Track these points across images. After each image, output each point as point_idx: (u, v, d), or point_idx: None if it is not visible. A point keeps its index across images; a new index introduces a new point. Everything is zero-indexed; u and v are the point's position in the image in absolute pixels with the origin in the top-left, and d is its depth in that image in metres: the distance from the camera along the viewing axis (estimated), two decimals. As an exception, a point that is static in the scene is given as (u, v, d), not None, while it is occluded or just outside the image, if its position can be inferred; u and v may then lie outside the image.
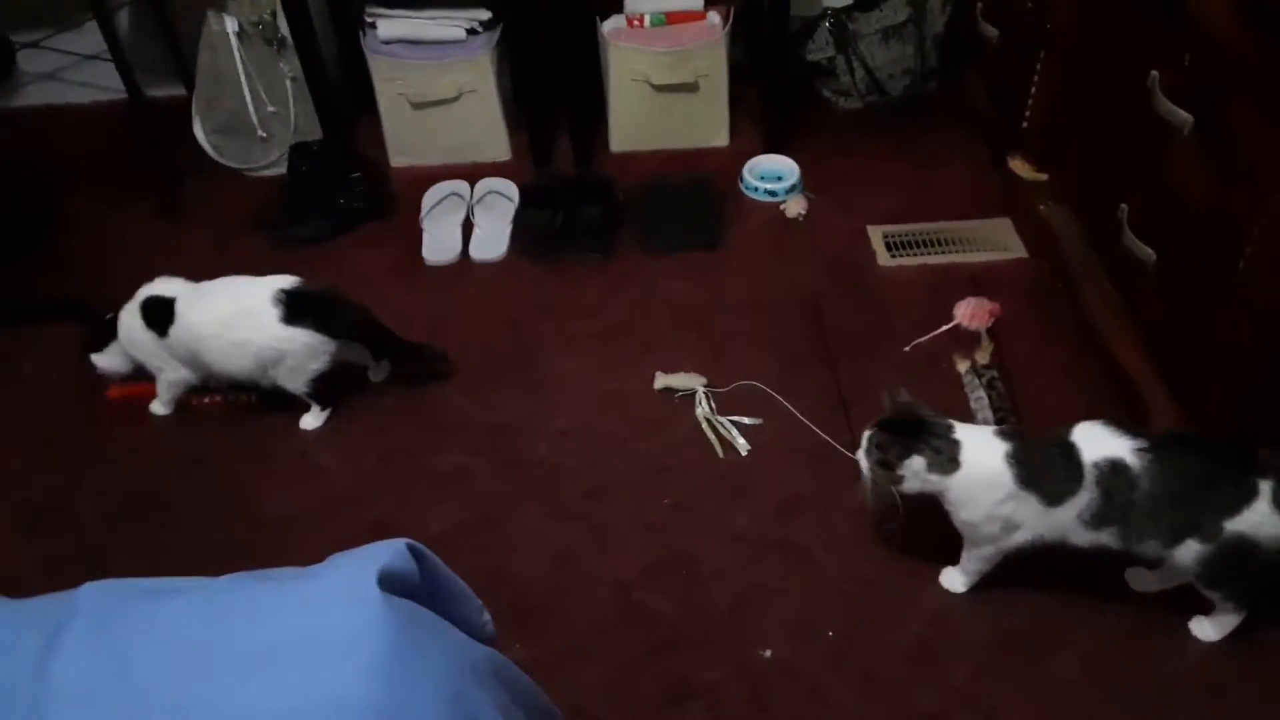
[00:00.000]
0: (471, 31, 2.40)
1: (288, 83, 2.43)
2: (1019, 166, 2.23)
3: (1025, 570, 1.60)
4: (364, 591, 0.83)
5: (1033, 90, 2.14)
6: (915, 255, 2.20)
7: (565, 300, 2.17)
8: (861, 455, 1.48)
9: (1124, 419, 1.44)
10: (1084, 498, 1.39)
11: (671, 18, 2.43)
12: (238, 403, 1.95)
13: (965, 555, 1.56)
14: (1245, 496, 1.34)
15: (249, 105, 2.42)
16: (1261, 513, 1.34)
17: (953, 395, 1.88)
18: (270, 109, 2.43)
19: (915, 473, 1.43)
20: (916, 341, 1.97)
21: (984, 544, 1.51)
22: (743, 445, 1.83)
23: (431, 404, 1.96)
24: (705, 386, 1.93)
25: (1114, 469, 1.37)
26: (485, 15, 2.41)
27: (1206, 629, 1.51)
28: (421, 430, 1.91)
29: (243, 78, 2.39)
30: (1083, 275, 1.96)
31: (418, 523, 1.71)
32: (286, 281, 1.81)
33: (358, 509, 1.77)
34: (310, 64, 2.36)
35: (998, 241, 2.22)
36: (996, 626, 1.56)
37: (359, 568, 0.86)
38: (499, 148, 2.54)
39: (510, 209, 2.37)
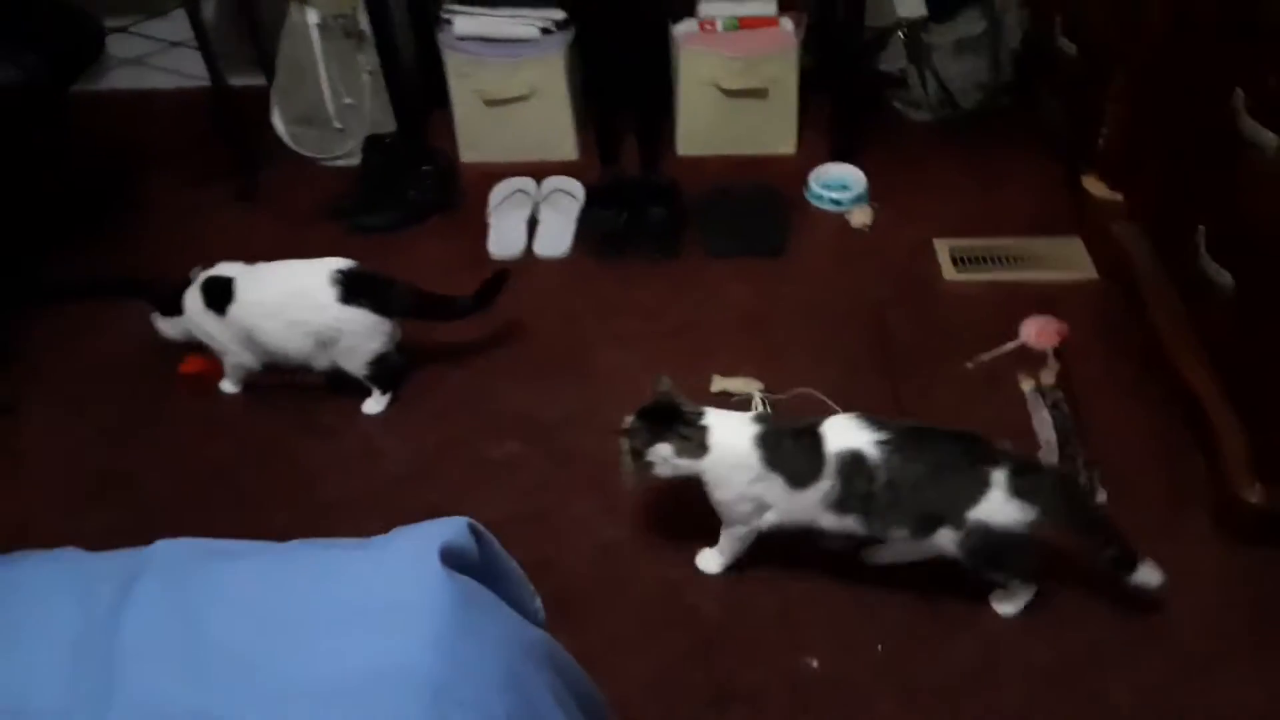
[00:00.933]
0: (545, 31, 2.43)
1: (365, 76, 2.49)
2: (1093, 185, 2.19)
3: (1081, 594, 1.57)
4: (426, 564, 0.85)
5: (1110, 108, 2.10)
6: (982, 270, 2.17)
7: (625, 299, 2.18)
8: (622, 443, 1.55)
9: (874, 415, 1.49)
10: (825, 484, 1.47)
11: (744, 23, 2.44)
12: (304, 385, 1.99)
13: (723, 535, 1.62)
14: (980, 487, 1.42)
15: (326, 97, 2.48)
16: (997, 501, 1.42)
17: (1016, 414, 1.85)
18: (347, 101, 2.49)
19: (664, 459, 1.51)
20: (980, 358, 1.94)
21: (738, 523, 1.58)
22: (797, 452, 1.82)
23: (489, 394, 1.98)
24: (762, 392, 1.92)
25: (854, 460, 1.45)
26: (560, 15, 2.44)
27: (1004, 606, 1.58)
28: (479, 419, 1.93)
29: (321, 70, 2.45)
30: (1155, 297, 1.92)
31: (471, 510, 1.69)
32: (342, 263, 1.86)
33: (414, 493, 1.79)
34: (387, 58, 2.41)
35: (1067, 260, 2.19)
36: (1054, 649, 1.53)
37: (422, 541, 0.87)
38: (567, 147, 2.56)
39: (575, 207, 2.39)
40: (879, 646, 1.54)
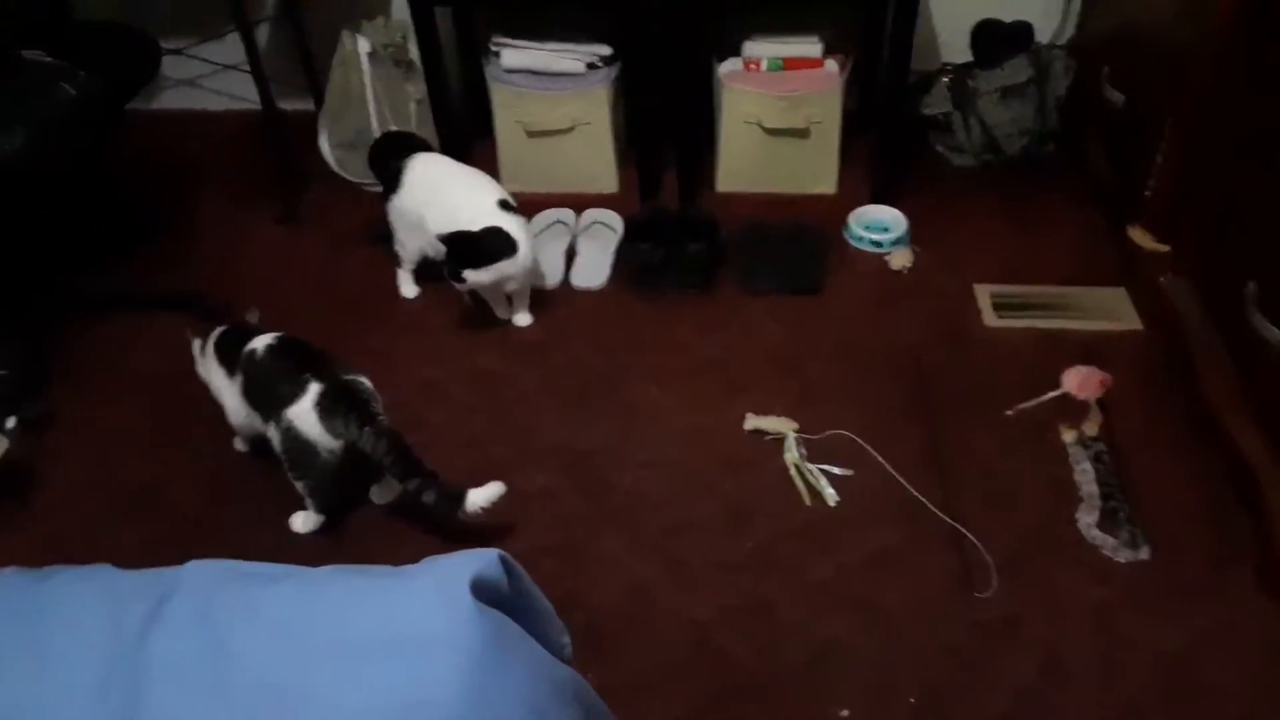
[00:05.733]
0: (591, 66, 2.45)
1: (412, 104, 2.52)
2: (1139, 236, 2.16)
3: (1122, 646, 1.53)
4: (457, 595, 0.84)
5: (1158, 158, 2.08)
6: (1023, 318, 2.14)
7: (661, 333, 2.18)
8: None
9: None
10: (236, 382, 1.73)
11: (789, 63, 2.44)
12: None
13: None
14: (297, 391, 1.63)
15: (373, 123, 2.51)
16: (304, 408, 1.62)
17: (1057, 465, 1.81)
18: (393, 128, 2.51)
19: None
20: (1021, 406, 1.91)
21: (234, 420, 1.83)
22: (831, 495, 1.80)
23: (522, 423, 1.98)
24: (796, 432, 1.90)
25: (251, 356, 1.71)
26: (606, 51, 2.46)
27: (296, 521, 1.76)
28: (510, 448, 1.92)
29: (370, 96, 2.49)
30: (1202, 353, 1.88)
31: (500, 540, 1.72)
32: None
33: (443, 520, 1.78)
34: (435, 87, 2.44)
35: (1111, 311, 2.15)
36: (1090, 707, 1.48)
37: (453, 571, 0.86)
38: (607, 180, 2.57)
39: (614, 240, 2.40)
40: (911, 699, 1.50)
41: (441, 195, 2.12)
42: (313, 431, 1.64)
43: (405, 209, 2.16)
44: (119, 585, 0.87)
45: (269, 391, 1.69)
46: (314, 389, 1.64)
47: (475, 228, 2.03)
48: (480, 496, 1.66)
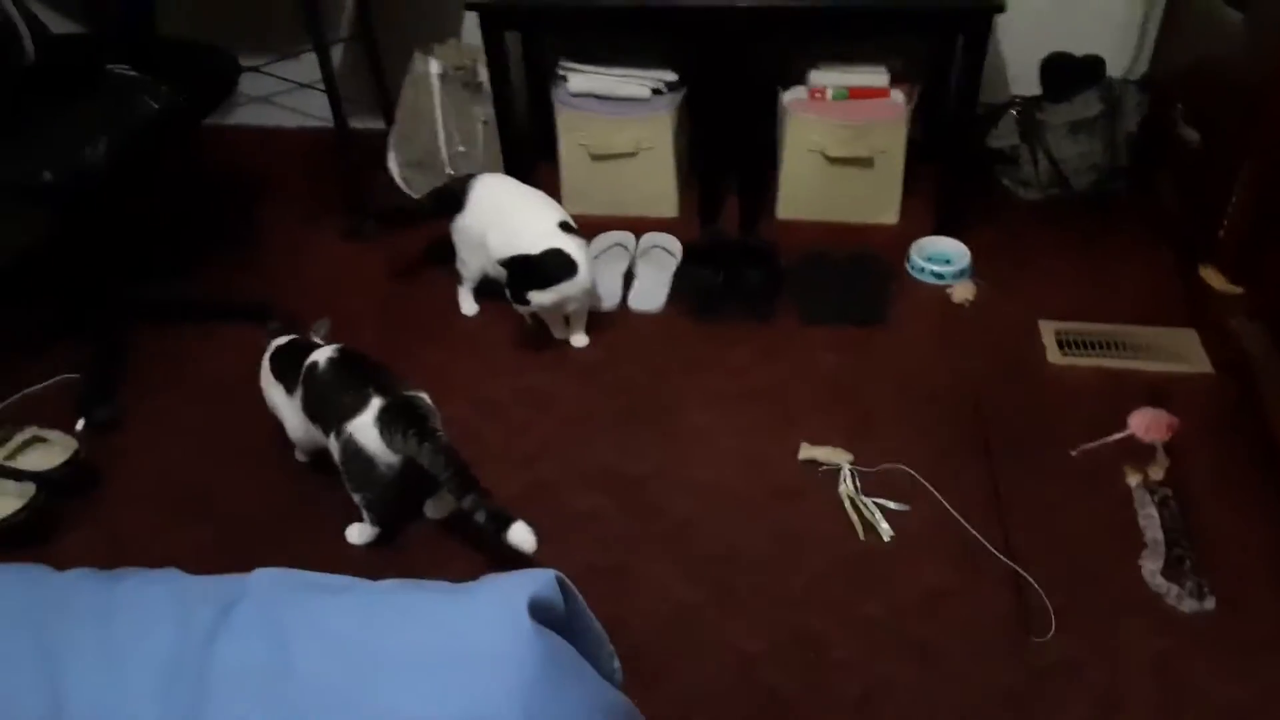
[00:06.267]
0: (656, 91, 2.47)
1: (479, 126, 2.56)
2: (1211, 277, 2.11)
3: (1192, 711, 1.48)
4: (515, 615, 0.84)
5: (1233, 199, 2.03)
6: (1089, 356, 2.10)
7: (716, 359, 2.17)
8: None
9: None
10: (299, 392, 1.75)
11: (854, 92, 2.43)
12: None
13: None
14: (359, 405, 1.66)
15: (441, 143, 2.55)
16: (365, 421, 1.65)
17: (1120, 509, 1.77)
18: (460, 148, 2.56)
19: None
20: (1085, 447, 1.87)
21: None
22: (885, 530, 1.77)
23: (575, 443, 1.98)
24: (851, 464, 1.88)
25: (312, 369, 1.74)
26: (671, 77, 2.48)
27: (353, 533, 1.79)
28: (563, 467, 1.93)
29: (439, 117, 2.53)
30: (1274, 398, 1.83)
31: (550, 559, 1.70)
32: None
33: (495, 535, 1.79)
34: (502, 109, 2.47)
35: (1180, 352, 2.10)
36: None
37: (512, 592, 0.86)
38: (668, 204, 2.58)
39: (672, 264, 2.40)
40: (962, 743, 1.47)
41: (504, 216, 2.15)
42: (373, 445, 1.66)
43: (469, 228, 2.19)
44: (187, 590, 0.89)
45: (330, 404, 1.72)
46: (375, 403, 1.66)
47: (537, 249, 2.05)
48: (521, 536, 1.64)
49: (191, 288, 2.46)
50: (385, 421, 1.65)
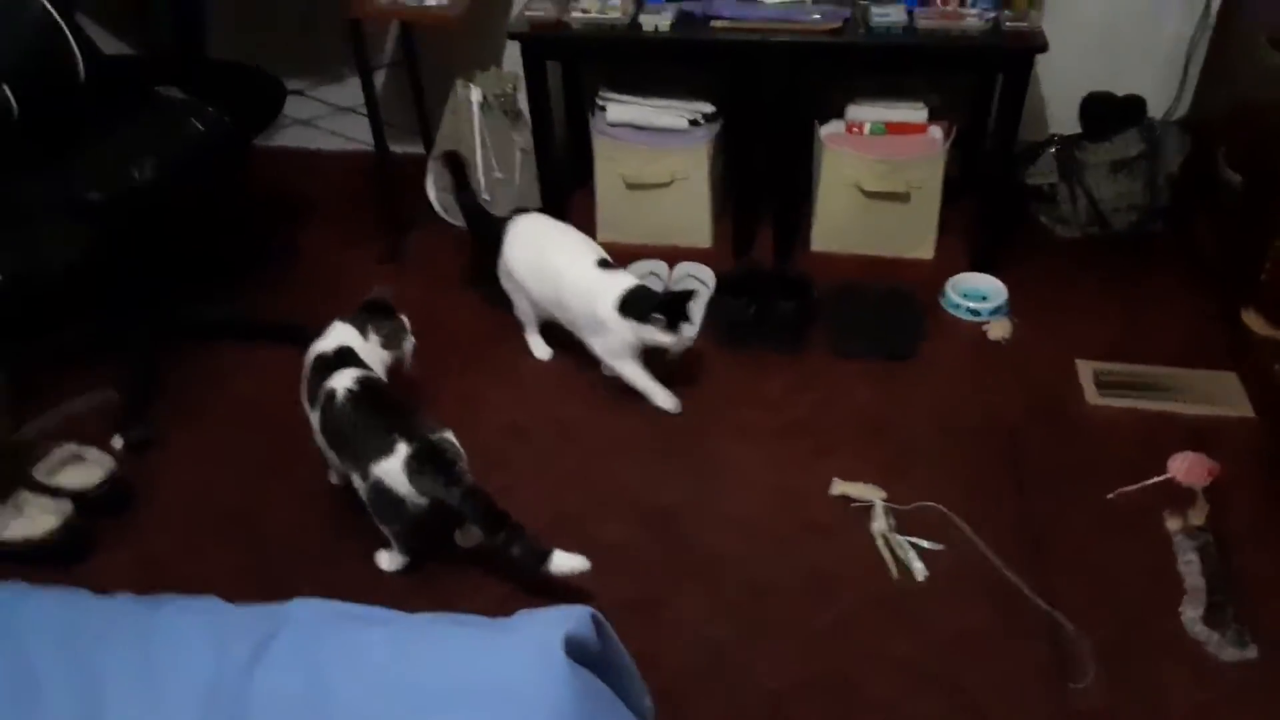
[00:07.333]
0: (693, 122, 2.48)
1: (518, 153, 2.59)
2: (1252, 320, 2.08)
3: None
4: (551, 652, 0.84)
5: (1276, 242, 2.00)
6: (1127, 397, 2.07)
7: (748, 390, 2.17)
8: None
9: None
10: (315, 416, 1.75)
11: (892, 128, 2.43)
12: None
13: None
14: (385, 449, 1.64)
15: (479, 169, 2.58)
16: (393, 466, 1.63)
17: (1160, 555, 1.74)
18: (498, 175, 2.58)
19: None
20: (1123, 490, 1.84)
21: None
22: (919, 569, 1.75)
23: (604, 474, 1.98)
24: (884, 501, 1.86)
25: (330, 397, 1.72)
26: (709, 109, 2.49)
27: (382, 560, 1.78)
28: (592, 498, 1.93)
29: (478, 144, 2.56)
30: (1320, 446, 1.79)
31: (578, 592, 1.71)
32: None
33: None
34: (541, 138, 2.50)
35: (1221, 396, 2.07)
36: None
37: (548, 628, 0.86)
38: (702, 234, 2.59)
39: (705, 294, 2.40)
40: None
41: (543, 256, 2.13)
42: (402, 489, 1.66)
43: (510, 273, 2.18)
44: (226, 619, 0.89)
45: (354, 442, 1.71)
46: (402, 449, 1.65)
47: (583, 286, 2.04)
48: (565, 562, 1.65)
49: (231, 308, 2.48)
50: (413, 469, 1.64)
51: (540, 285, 2.13)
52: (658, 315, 1.98)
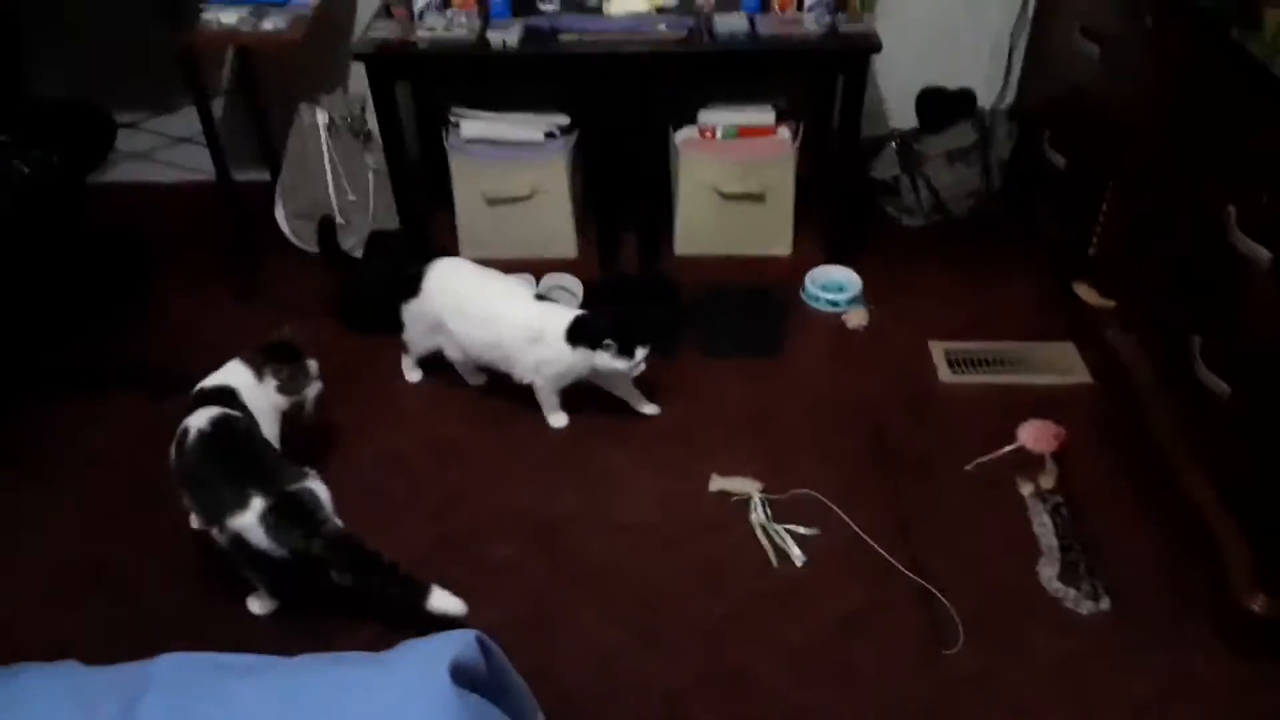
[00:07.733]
0: (549, 135, 2.49)
1: (370, 174, 2.54)
2: (1085, 292, 2.23)
3: (1101, 708, 1.54)
4: (436, 683, 0.83)
5: (1101, 218, 2.16)
6: (977, 373, 2.20)
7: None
8: None
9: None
10: (172, 456, 1.70)
11: (743, 131, 2.50)
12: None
13: None
14: (239, 503, 1.59)
15: (330, 193, 2.51)
16: (249, 522, 1.58)
17: (1018, 518, 1.85)
18: (351, 197, 2.53)
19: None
20: (979, 460, 1.95)
21: None
22: (798, 556, 1.80)
23: (486, 491, 1.97)
24: (761, 493, 1.91)
25: (183, 436, 1.69)
26: (564, 120, 2.50)
27: (253, 604, 1.73)
28: (477, 518, 1.91)
29: (327, 167, 2.49)
30: (1151, 405, 1.94)
31: (469, 613, 1.69)
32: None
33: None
34: (393, 157, 2.45)
35: (1062, 365, 2.21)
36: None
37: (432, 658, 0.85)
38: (567, 245, 2.60)
39: (574, 304, 2.41)
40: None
41: (474, 300, 2.07)
42: (261, 543, 1.60)
43: (424, 314, 2.11)
44: (89, 683, 0.84)
45: (207, 492, 1.64)
46: (258, 504, 1.59)
47: (524, 324, 2.01)
48: (442, 602, 1.62)
49: (76, 356, 2.34)
50: (270, 523, 1.59)
51: (470, 328, 2.06)
52: (609, 341, 1.96)
